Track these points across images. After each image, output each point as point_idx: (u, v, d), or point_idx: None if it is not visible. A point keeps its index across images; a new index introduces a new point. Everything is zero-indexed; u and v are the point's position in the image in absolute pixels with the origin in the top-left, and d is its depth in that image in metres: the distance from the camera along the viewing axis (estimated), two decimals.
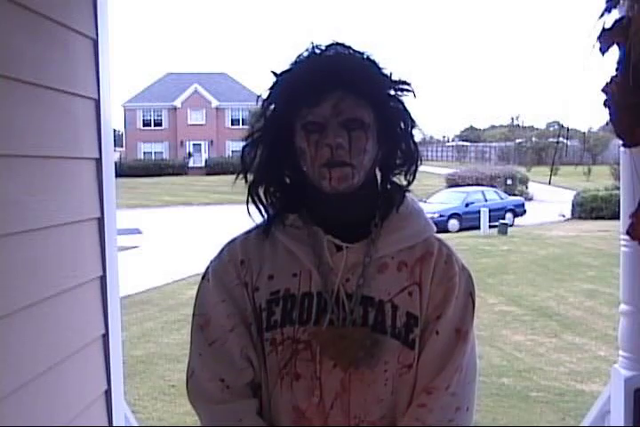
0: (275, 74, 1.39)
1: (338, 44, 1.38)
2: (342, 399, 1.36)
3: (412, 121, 1.40)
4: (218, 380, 1.38)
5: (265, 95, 1.40)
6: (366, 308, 1.37)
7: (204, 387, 1.39)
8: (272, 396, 1.39)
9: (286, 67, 1.39)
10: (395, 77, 1.39)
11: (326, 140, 1.32)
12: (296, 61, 1.39)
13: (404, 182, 1.43)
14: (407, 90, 1.39)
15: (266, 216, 1.43)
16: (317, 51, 1.38)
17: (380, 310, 1.37)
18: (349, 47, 1.38)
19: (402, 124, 1.39)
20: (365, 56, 1.37)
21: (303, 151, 1.35)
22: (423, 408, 1.36)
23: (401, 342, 1.37)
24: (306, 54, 1.38)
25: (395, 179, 1.44)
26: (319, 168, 1.33)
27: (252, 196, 1.41)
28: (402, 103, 1.39)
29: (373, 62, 1.38)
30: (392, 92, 1.39)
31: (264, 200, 1.42)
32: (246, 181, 1.42)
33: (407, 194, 1.44)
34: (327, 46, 1.38)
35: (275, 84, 1.39)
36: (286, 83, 1.37)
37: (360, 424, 1.36)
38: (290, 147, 1.38)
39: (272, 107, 1.39)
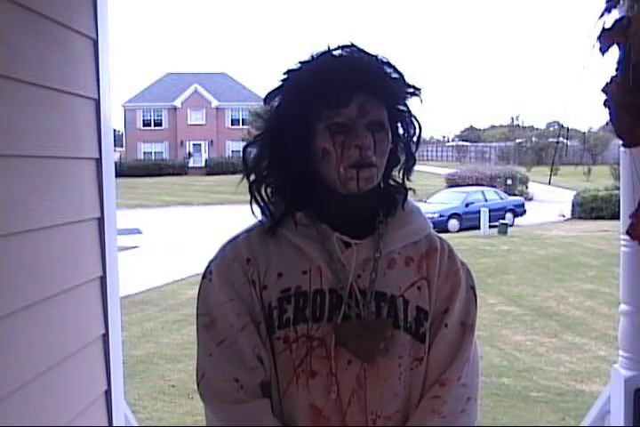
0: (288, 73, 1.38)
1: (351, 45, 1.38)
2: (359, 395, 1.36)
3: (419, 124, 1.42)
4: (232, 380, 1.37)
5: (273, 95, 1.39)
6: (379, 303, 1.38)
7: (219, 388, 1.38)
8: (285, 395, 1.38)
9: (294, 66, 1.38)
10: (408, 81, 1.39)
11: (356, 142, 1.33)
12: (309, 61, 1.38)
13: (400, 181, 1.45)
14: (416, 95, 1.40)
15: (269, 215, 1.42)
16: (334, 52, 1.37)
17: (392, 305, 1.39)
18: (362, 49, 1.38)
19: (409, 127, 1.42)
20: (379, 58, 1.37)
21: (327, 152, 1.35)
22: (438, 400, 1.39)
23: (412, 336, 1.39)
24: (322, 55, 1.38)
25: (395, 178, 1.46)
26: (346, 169, 1.34)
27: (256, 195, 1.41)
28: (407, 106, 1.41)
29: (390, 65, 1.38)
30: (404, 96, 1.40)
31: (266, 199, 1.42)
32: (249, 181, 1.42)
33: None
34: (341, 47, 1.38)
35: (287, 84, 1.38)
36: (305, 83, 1.36)
37: (377, 420, 1.37)
38: (304, 146, 1.37)
39: (285, 106, 1.38)
